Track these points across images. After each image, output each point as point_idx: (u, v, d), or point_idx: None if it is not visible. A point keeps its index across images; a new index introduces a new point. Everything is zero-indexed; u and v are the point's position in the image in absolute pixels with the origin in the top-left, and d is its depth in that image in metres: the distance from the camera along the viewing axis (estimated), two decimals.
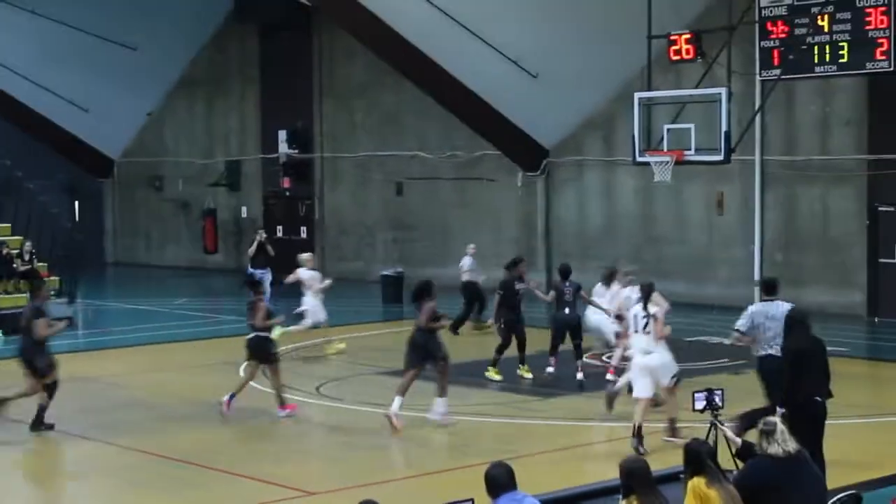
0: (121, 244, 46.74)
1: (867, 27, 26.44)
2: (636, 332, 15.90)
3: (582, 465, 14.81)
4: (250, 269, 29.25)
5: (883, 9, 26.18)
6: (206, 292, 36.77)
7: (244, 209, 41.61)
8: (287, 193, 40.18)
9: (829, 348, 13.25)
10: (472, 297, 26.88)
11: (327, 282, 24.60)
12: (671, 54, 26.14)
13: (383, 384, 20.38)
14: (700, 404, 11.97)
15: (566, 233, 33.31)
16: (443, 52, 30.42)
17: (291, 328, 23.42)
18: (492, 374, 20.75)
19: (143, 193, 45.42)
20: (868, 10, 26.38)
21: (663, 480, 9.65)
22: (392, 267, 33.70)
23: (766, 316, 14.55)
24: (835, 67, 27.09)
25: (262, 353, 18.07)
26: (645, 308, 15.84)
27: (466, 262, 27.43)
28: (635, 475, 8.79)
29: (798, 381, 12.60)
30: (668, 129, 24.80)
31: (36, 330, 16.90)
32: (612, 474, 9.14)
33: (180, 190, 43.71)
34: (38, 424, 17.04)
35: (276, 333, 20.32)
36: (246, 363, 18.47)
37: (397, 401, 17.01)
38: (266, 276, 28.69)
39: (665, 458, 10.29)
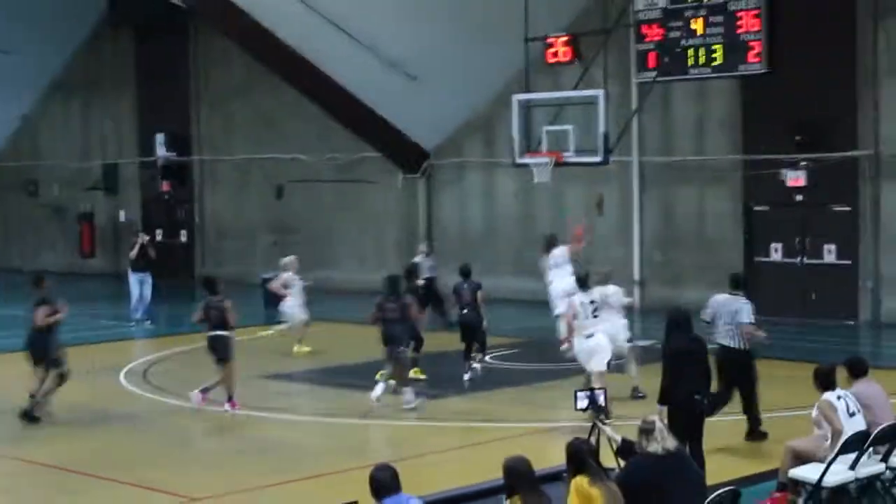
0: None
1: (739, 30, 26.98)
2: (585, 318, 17.07)
3: (467, 465, 14.76)
4: (131, 273, 28.79)
5: (755, 12, 26.74)
6: (84, 298, 36.09)
7: (122, 213, 41.12)
8: (166, 197, 39.75)
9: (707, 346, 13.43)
10: (430, 296, 25.74)
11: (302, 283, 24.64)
12: (549, 57, 26.40)
13: (266, 388, 20.39)
14: (583, 403, 11.92)
15: (447, 234, 33.36)
16: (320, 54, 30.29)
17: (281, 328, 24.13)
18: (416, 373, 20.62)
19: (16, 198, 44.57)
20: (740, 14, 26.91)
21: (546, 479, 9.67)
22: (273, 270, 33.35)
23: (724, 308, 15.71)
24: (709, 70, 27.58)
25: (224, 351, 18.12)
26: (586, 293, 17.23)
27: (420, 262, 26.89)
28: (518, 474, 8.81)
29: (677, 381, 12.75)
30: (547, 131, 24.88)
31: (35, 318, 17.74)
32: (497, 474, 9.14)
33: (56, 194, 43.03)
34: (29, 414, 17.66)
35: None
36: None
37: (409, 392, 18.24)
38: (147, 280, 28.33)
39: (548, 457, 10.35)
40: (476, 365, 20.39)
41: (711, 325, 15.89)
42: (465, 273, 20.83)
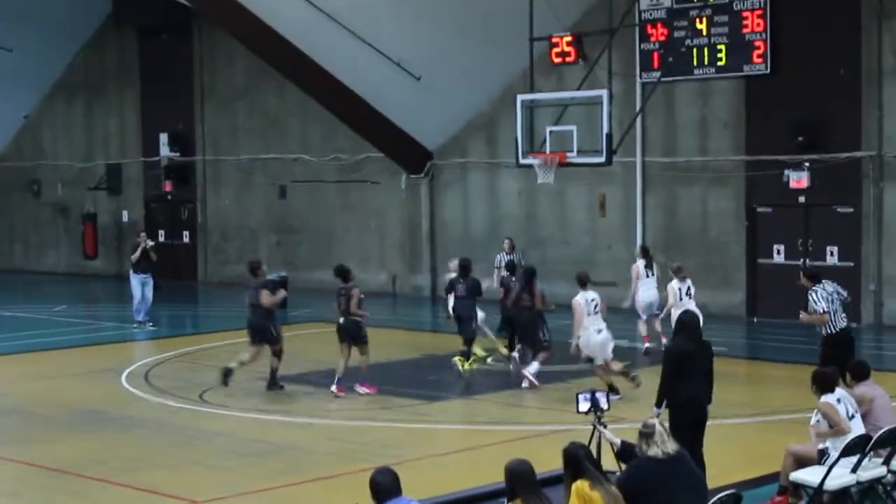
0: None
1: (744, 30, 27.10)
2: (588, 314, 18.56)
3: (467, 468, 14.77)
4: (132, 274, 28.62)
5: (759, 12, 26.84)
6: (86, 298, 36.20)
7: (125, 213, 40.99)
8: (169, 197, 39.68)
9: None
10: None
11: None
12: (553, 56, 26.26)
13: (266, 391, 20.25)
14: (584, 406, 11.84)
15: (451, 235, 33.29)
16: (325, 53, 30.21)
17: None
18: (471, 362, 21.40)
19: (19, 198, 44.47)
20: (745, 14, 27.01)
21: (547, 483, 9.60)
22: (276, 271, 33.25)
23: (833, 295, 16.48)
24: (713, 70, 27.69)
25: (355, 334, 19.61)
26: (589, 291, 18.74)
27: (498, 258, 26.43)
28: (519, 478, 8.76)
29: (678, 383, 12.67)
30: (551, 131, 24.67)
31: (262, 299, 19.84)
32: (496, 477, 9.12)
33: (59, 194, 42.93)
34: (273, 384, 19.94)
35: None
36: (341, 345, 19.77)
37: (535, 365, 19.83)
38: (148, 282, 28.21)
39: (549, 461, 10.39)
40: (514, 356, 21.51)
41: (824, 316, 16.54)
42: (512, 268, 22.12)
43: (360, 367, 19.62)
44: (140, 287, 28.08)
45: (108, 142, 41.57)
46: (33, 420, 18.29)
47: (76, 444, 16.53)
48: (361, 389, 19.59)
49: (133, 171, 40.60)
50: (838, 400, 12.29)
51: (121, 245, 39.99)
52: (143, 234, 29.65)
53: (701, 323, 18.22)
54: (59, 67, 42.20)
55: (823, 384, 12.44)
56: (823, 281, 16.77)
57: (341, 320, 19.60)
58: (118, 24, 39.61)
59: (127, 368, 22.31)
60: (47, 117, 43.42)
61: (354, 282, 19.95)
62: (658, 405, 12.76)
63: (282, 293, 20.44)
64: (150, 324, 28.15)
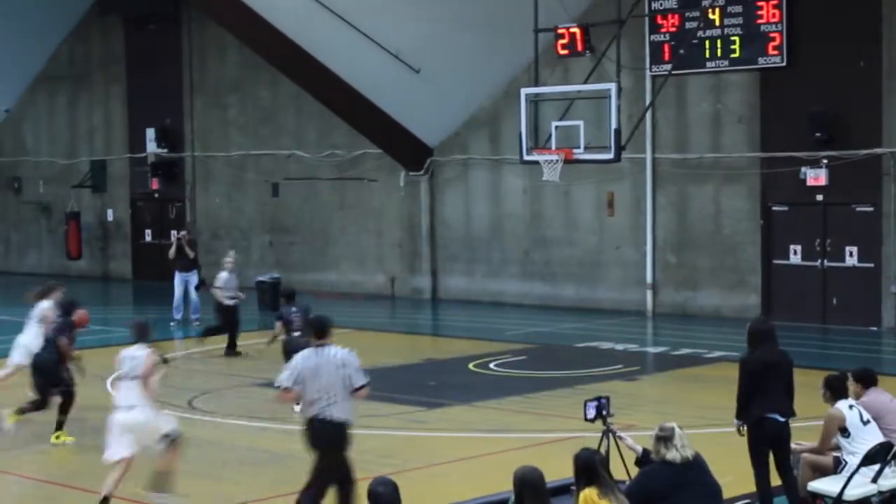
0: None
1: (759, 21, 27.72)
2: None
3: (469, 478, 14.47)
4: (176, 272, 28.71)
5: (775, 2, 27.35)
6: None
7: (110, 212, 40.85)
8: (156, 195, 39.46)
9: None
10: None
11: None
12: (559, 48, 25.93)
13: (258, 396, 19.88)
14: (592, 413, 11.94)
15: (451, 234, 33.16)
16: (319, 45, 29.89)
17: None
18: None
19: None
20: (760, 4, 27.71)
21: (557, 492, 9.70)
22: (268, 272, 32.91)
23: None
24: (726, 62, 28.19)
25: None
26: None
27: None
28: (529, 485, 8.73)
29: (753, 397, 12.06)
30: (557, 127, 24.41)
31: None
32: (500, 486, 9.10)
33: (41, 192, 42.66)
34: None
35: None
36: None
37: None
38: (191, 280, 28.59)
39: (553, 470, 9.97)
40: None
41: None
42: (291, 297, 19.98)
43: None
44: (181, 285, 28.63)
45: (92, 137, 41.30)
46: (18, 429, 17.38)
47: (62, 454, 16.30)
48: None
49: (119, 168, 40.31)
50: (850, 406, 12.03)
51: (106, 245, 39.88)
52: (184, 234, 30.18)
53: None
54: (42, 59, 42.01)
55: (837, 389, 12.24)
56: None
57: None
58: (104, 14, 39.65)
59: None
60: (29, 111, 43.17)
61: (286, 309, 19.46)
62: (737, 417, 12.20)
63: None
64: (196, 321, 28.26)
